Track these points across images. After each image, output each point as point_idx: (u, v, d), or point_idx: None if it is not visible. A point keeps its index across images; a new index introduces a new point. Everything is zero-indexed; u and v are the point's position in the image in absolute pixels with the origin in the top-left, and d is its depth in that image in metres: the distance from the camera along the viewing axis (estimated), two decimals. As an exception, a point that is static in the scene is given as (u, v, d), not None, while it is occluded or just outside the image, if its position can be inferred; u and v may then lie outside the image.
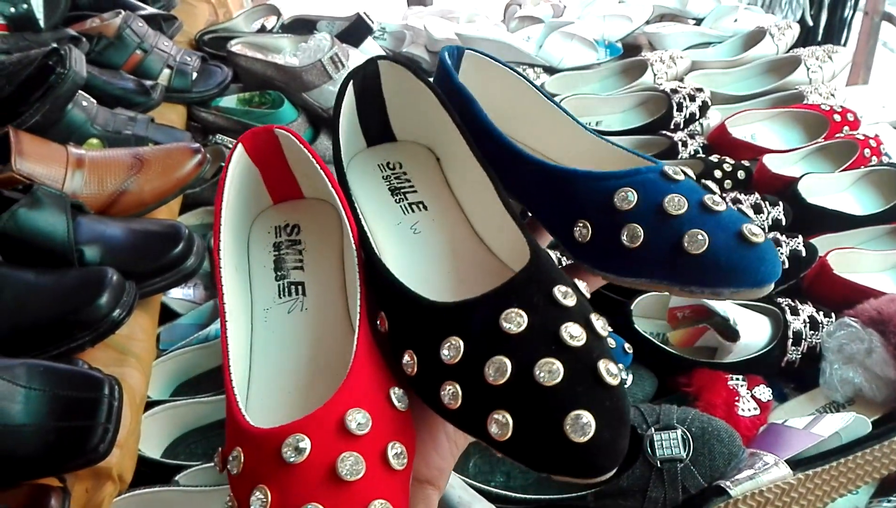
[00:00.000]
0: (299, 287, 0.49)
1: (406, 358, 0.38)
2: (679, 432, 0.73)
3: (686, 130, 1.32)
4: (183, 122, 1.23)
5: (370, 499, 0.33)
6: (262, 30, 1.56)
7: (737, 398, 0.87)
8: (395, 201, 0.52)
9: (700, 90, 1.35)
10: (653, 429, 0.73)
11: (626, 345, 0.88)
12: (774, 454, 0.78)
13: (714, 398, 0.86)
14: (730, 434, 0.74)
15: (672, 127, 1.32)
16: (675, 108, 1.31)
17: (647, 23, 1.73)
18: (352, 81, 0.49)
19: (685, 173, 0.46)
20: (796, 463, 0.77)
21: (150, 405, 0.82)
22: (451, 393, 0.36)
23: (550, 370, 0.34)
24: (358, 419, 0.34)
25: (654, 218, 0.43)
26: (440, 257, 0.48)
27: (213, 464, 0.76)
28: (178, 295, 1.01)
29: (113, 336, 0.72)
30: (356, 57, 1.34)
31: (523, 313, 0.36)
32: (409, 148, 0.57)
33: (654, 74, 1.49)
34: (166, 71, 1.21)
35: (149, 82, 1.14)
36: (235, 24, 1.50)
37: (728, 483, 0.72)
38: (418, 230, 0.50)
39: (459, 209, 0.52)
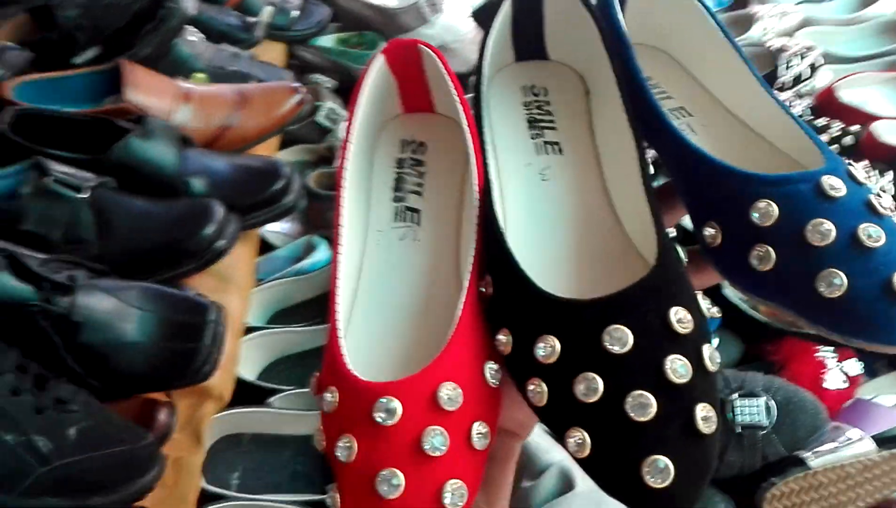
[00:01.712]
0: (415, 215, 0.48)
1: (502, 336, 0.37)
2: (763, 400, 0.72)
3: (793, 91, 1.27)
4: (283, 60, 1.25)
5: (448, 477, 0.33)
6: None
7: (824, 370, 0.86)
8: (532, 135, 0.49)
9: (810, 49, 1.28)
10: (736, 395, 0.73)
11: (714, 308, 0.87)
12: (860, 429, 0.77)
13: (801, 369, 0.85)
14: (815, 407, 0.73)
15: (778, 87, 1.26)
16: (783, 66, 1.26)
17: (758, -26, 1.64)
18: (510, 1, 0.47)
19: (854, 181, 0.38)
20: (881, 441, 0.76)
21: (247, 331, 0.86)
22: (538, 392, 0.35)
23: (643, 405, 0.32)
24: (450, 394, 0.34)
25: (790, 244, 0.37)
26: (562, 217, 0.45)
27: (305, 390, 0.80)
28: (276, 228, 1.04)
29: (216, 265, 0.76)
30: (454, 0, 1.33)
31: (630, 333, 0.33)
32: (560, 72, 0.52)
33: (764, 29, 1.42)
34: (268, 8, 1.23)
35: (251, 19, 1.16)
36: (336, -37, 1.50)
37: (809, 454, 0.71)
38: (547, 177, 0.47)
39: (596, 163, 0.47)
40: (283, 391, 0.81)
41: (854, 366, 0.88)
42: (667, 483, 0.31)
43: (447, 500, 0.33)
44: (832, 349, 0.88)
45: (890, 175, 1.04)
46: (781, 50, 1.29)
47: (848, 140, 1.12)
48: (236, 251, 0.78)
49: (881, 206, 0.37)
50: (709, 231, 0.40)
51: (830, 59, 1.36)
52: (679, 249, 0.40)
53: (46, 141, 0.80)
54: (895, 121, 1.17)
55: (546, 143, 0.48)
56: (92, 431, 0.53)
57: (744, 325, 0.91)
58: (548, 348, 0.34)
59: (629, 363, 0.33)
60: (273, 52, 1.22)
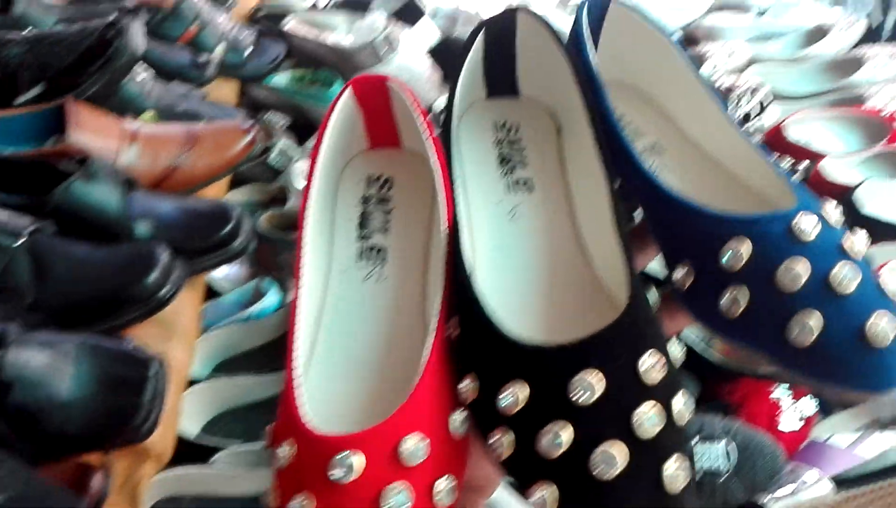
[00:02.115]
0: (381, 254, 0.47)
1: (467, 382, 0.36)
2: (723, 444, 0.71)
3: (743, 128, 1.29)
4: (235, 97, 1.23)
5: None
6: (315, 7, 1.56)
7: (780, 410, 0.86)
8: (502, 173, 0.48)
9: (760, 86, 1.31)
10: (696, 439, 0.72)
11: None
12: (817, 470, 0.76)
13: (756, 409, 0.85)
14: (773, 450, 0.73)
15: (728, 125, 1.28)
16: (733, 104, 1.28)
17: (707, 13, 1.68)
18: (484, 29, 0.46)
19: (826, 222, 0.37)
20: (839, 483, 0.76)
21: (189, 382, 0.83)
22: (502, 443, 0.33)
23: (609, 462, 0.30)
24: (414, 448, 0.33)
25: (761, 287, 0.36)
26: (532, 256, 0.44)
27: (252, 446, 0.77)
28: (223, 273, 1.02)
29: (159, 313, 0.73)
30: (408, 38, 1.33)
31: (598, 381, 0.32)
32: (532, 108, 0.52)
33: (714, 67, 1.45)
34: (221, 46, 1.21)
35: (203, 57, 1.15)
36: (290, 1, 1.50)
37: (767, 499, 0.70)
38: (516, 216, 0.46)
39: (567, 202, 0.46)
40: (228, 446, 0.78)
41: (809, 405, 0.88)
42: None
43: None
44: (787, 387, 0.88)
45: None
46: (731, 88, 1.31)
47: (797, 177, 1.13)
48: (181, 298, 0.75)
49: (853, 249, 0.36)
50: (679, 273, 0.39)
51: (777, 96, 1.39)
52: (651, 292, 0.39)
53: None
54: (842, 159, 1.20)
55: (517, 181, 0.48)
56: (19, 500, 0.50)
57: (699, 365, 0.91)
58: (513, 396, 0.33)
59: (597, 413, 0.32)
60: (226, 90, 1.20)
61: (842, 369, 0.34)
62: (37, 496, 0.50)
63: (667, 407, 0.33)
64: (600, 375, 0.32)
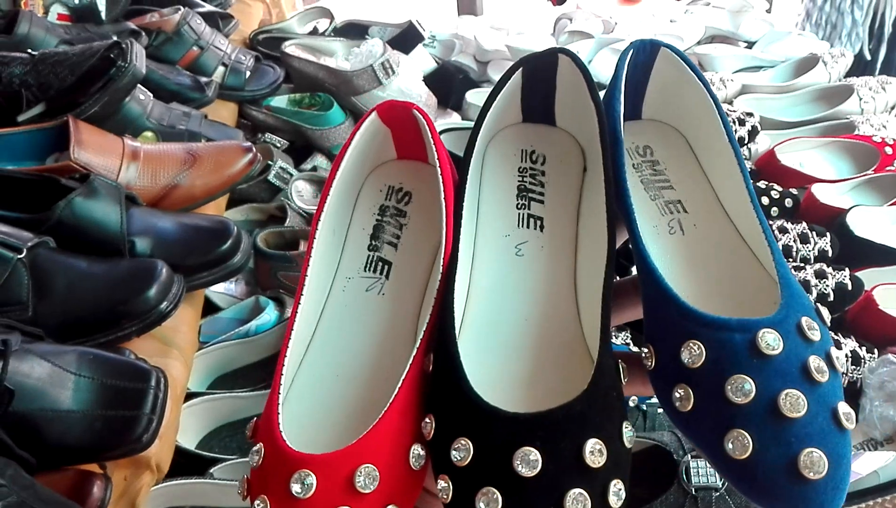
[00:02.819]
0: (386, 267, 0.47)
1: (428, 421, 0.37)
2: (715, 461, 0.72)
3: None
4: (234, 119, 1.25)
5: None
6: (315, 32, 1.58)
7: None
8: (518, 205, 0.48)
9: (750, 114, 1.34)
10: (689, 456, 0.73)
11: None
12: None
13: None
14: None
15: (720, 150, 1.30)
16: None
17: (699, 43, 1.72)
18: (524, 65, 0.47)
19: (801, 336, 0.36)
20: (832, 501, 0.76)
21: (187, 396, 0.83)
22: (446, 489, 0.34)
23: None
24: (367, 478, 0.34)
25: (710, 393, 0.35)
26: (527, 297, 0.44)
27: (248, 459, 0.77)
28: (221, 289, 1.02)
29: (158, 328, 0.73)
30: (406, 64, 1.35)
31: (540, 458, 0.33)
32: (563, 141, 0.51)
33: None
34: (221, 69, 1.23)
35: (204, 79, 1.16)
36: (289, 26, 1.52)
37: (762, 515, 0.71)
38: (521, 253, 0.46)
39: (573, 248, 0.46)
40: (224, 460, 0.78)
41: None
42: None
43: None
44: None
45: (827, 237, 1.08)
46: (723, 116, 1.33)
47: (788, 202, 1.15)
48: (180, 313, 0.76)
49: (819, 370, 0.35)
50: (646, 351, 0.39)
51: (767, 124, 1.41)
52: (623, 358, 0.39)
53: (-14, 199, 0.77)
54: (835, 184, 1.22)
55: (530, 216, 0.48)
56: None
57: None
58: (462, 450, 0.34)
59: (532, 488, 0.33)
60: (224, 112, 1.22)
61: (770, 492, 0.34)
62: (39, 503, 0.50)
63: (601, 494, 0.33)
64: (543, 453, 0.33)
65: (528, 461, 0.33)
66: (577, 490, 0.32)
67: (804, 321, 0.37)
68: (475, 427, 0.35)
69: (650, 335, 0.39)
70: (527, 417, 0.34)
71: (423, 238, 0.48)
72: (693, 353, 0.36)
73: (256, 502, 0.34)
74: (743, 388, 0.34)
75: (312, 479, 0.33)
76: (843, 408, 0.35)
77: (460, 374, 0.36)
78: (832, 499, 0.33)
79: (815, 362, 0.35)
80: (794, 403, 0.34)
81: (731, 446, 0.34)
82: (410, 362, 0.38)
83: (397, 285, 0.46)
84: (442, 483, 0.35)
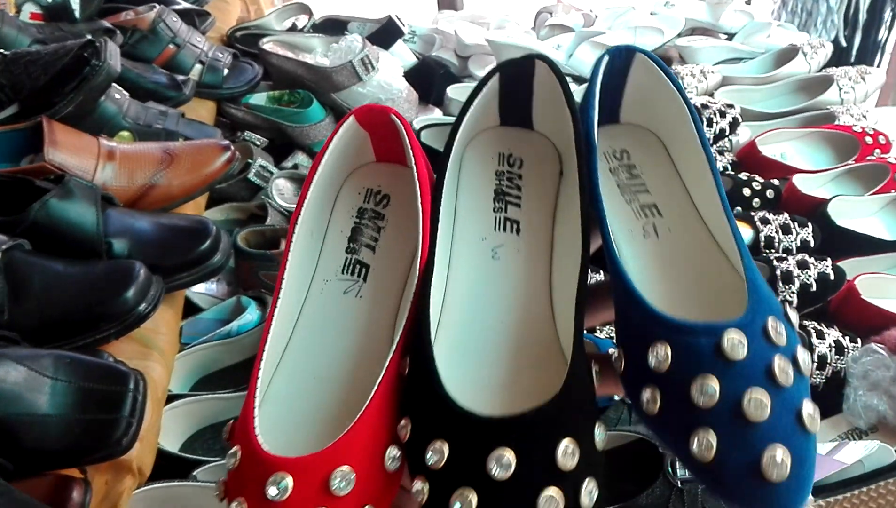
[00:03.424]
0: (364, 270, 0.47)
1: (404, 423, 0.37)
2: (701, 453, 0.72)
3: (715, 147, 1.31)
4: (212, 117, 1.23)
5: None
6: (294, 28, 1.57)
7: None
8: (494, 208, 0.48)
9: (731, 106, 1.34)
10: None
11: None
12: (795, 478, 0.77)
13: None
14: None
15: (701, 142, 1.31)
16: (705, 123, 1.30)
17: (679, 36, 1.72)
18: (501, 70, 0.46)
19: (766, 339, 0.36)
20: (817, 490, 0.76)
21: (169, 398, 0.82)
22: (421, 492, 0.35)
23: None
24: (343, 481, 0.34)
25: (676, 395, 0.36)
26: (502, 301, 0.44)
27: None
28: (201, 290, 1.01)
29: (137, 329, 0.72)
30: (386, 59, 1.34)
31: (514, 460, 0.33)
32: (541, 145, 0.51)
33: (685, 88, 1.48)
34: (198, 66, 1.22)
35: (181, 77, 1.15)
36: (267, 22, 1.51)
37: (748, 506, 0.71)
38: (498, 257, 0.46)
39: (549, 251, 0.46)
40: (207, 462, 0.77)
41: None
42: None
43: None
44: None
45: (809, 228, 1.08)
46: (704, 107, 1.34)
47: (770, 193, 1.15)
48: (160, 315, 0.75)
49: (783, 371, 0.35)
50: (615, 353, 0.39)
51: (748, 115, 1.42)
52: (597, 360, 0.39)
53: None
54: (815, 175, 1.22)
55: (507, 219, 0.48)
56: (-4, 515, 0.49)
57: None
58: (436, 453, 0.34)
59: (506, 489, 0.33)
60: (203, 110, 1.20)
61: (734, 492, 0.34)
62: (15, 509, 0.49)
63: (574, 495, 0.34)
64: (516, 455, 0.33)
65: (503, 463, 0.33)
66: (551, 491, 0.33)
67: (770, 323, 0.37)
68: (450, 430, 0.35)
69: (621, 338, 0.40)
70: (501, 420, 0.35)
71: (400, 241, 0.48)
72: (659, 356, 0.36)
73: (233, 504, 0.34)
74: (707, 390, 0.35)
75: (288, 482, 0.33)
76: (808, 409, 0.35)
77: (435, 377, 0.37)
78: (795, 501, 0.34)
79: (780, 363, 0.36)
80: (757, 405, 0.34)
81: (696, 448, 0.35)
82: (387, 365, 0.38)
83: (375, 287, 0.46)
84: (418, 485, 0.35)
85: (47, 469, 0.58)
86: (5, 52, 0.94)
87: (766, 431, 0.34)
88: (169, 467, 0.76)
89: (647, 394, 0.37)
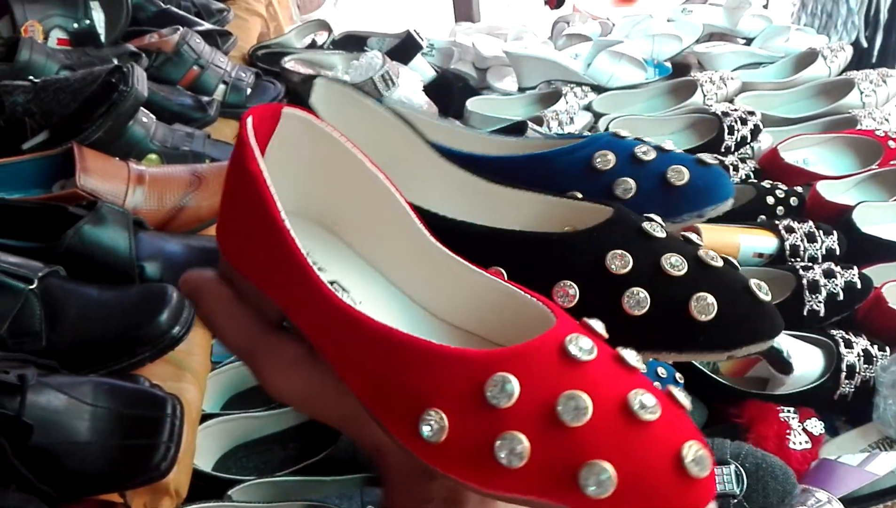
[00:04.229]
0: (336, 285, 0.38)
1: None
2: (732, 467, 0.72)
3: (737, 154, 1.31)
4: (236, 137, 1.25)
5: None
6: (314, 45, 1.58)
7: (788, 431, 0.86)
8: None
9: (752, 113, 1.34)
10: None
11: (677, 374, 0.88)
12: (827, 490, 0.77)
13: (765, 431, 0.85)
14: (784, 472, 0.74)
15: (723, 150, 1.30)
16: (726, 131, 1.30)
17: (697, 42, 1.72)
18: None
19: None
20: (850, 501, 0.76)
21: (202, 418, 0.83)
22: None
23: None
24: (583, 345, 0.30)
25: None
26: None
27: (266, 479, 0.77)
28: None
29: (170, 352, 0.73)
30: (406, 74, 1.35)
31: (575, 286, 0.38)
32: None
33: (704, 95, 1.48)
34: (221, 87, 1.23)
35: (205, 98, 1.16)
36: (288, 40, 1.52)
37: (780, 520, 0.71)
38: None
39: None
40: (242, 482, 0.78)
41: (816, 425, 0.89)
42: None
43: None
44: (792, 409, 0.89)
45: (834, 236, 1.07)
46: (725, 115, 1.33)
47: (794, 200, 1.15)
48: (192, 336, 0.76)
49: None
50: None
51: (768, 121, 1.41)
52: None
53: (-7, 229, 0.78)
54: (839, 181, 1.22)
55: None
56: (43, 542, 0.50)
57: (707, 388, 0.92)
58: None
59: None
60: (227, 130, 1.22)
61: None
62: (61, 537, 0.50)
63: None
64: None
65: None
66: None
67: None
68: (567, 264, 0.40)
69: None
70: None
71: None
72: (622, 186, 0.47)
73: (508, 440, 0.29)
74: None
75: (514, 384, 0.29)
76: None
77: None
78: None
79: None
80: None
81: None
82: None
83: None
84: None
85: (88, 494, 0.59)
86: (35, 80, 0.96)
87: None
88: (204, 487, 0.77)
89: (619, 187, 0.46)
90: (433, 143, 0.45)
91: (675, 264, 0.39)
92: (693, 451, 0.28)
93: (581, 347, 0.30)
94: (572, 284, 0.39)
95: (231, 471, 0.83)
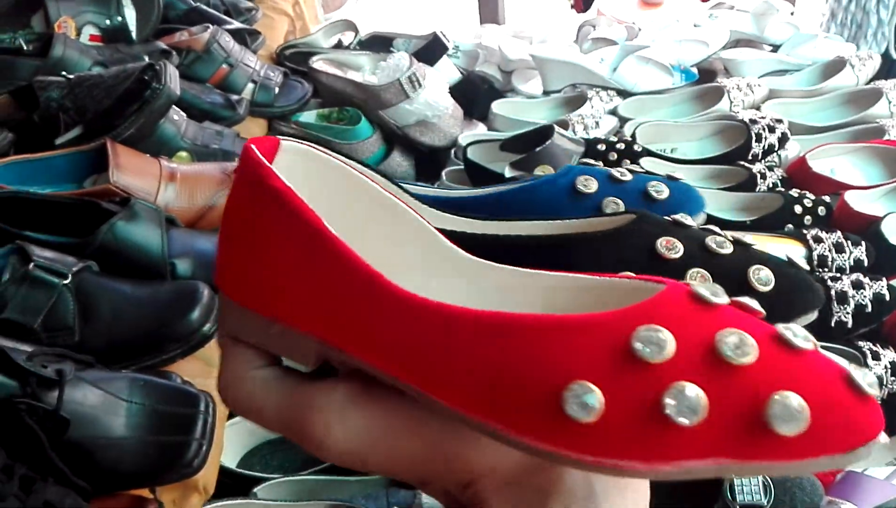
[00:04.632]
0: None
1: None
2: (760, 478, 0.72)
3: (764, 162, 1.30)
4: (264, 135, 1.26)
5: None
6: (339, 45, 1.59)
7: (813, 442, 0.86)
8: None
9: (780, 121, 1.33)
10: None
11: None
12: (854, 503, 0.76)
13: (790, 442, 0.85)
14: (812, 484, 0.73)
15: (750, 158, 1.30)
16: (753, 138, 1.29)
17: (723, 48, 1.71)
18: None
19: None
20: (878, 516, 0.75)
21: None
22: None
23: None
24: (711, 290, 0.27)
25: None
26: None
27: (292, 477, 0.78)
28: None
29: (201, 349, 0.74)
30: (432, 76, 1.36)
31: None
32: None
33: (731, 102, 1.47)
34: (250, 85, 1.24)
35: (234, 97, 1.17)
36: (315, 40, 1.53)
37: (807, 532, 0.70)
38: None
39: None
40: (267, 480, 0.78)
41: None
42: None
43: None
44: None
45: (862, 246, 1.07)
46: (752, 122, 1.33)
47: (822, 210, 1.14)
48: (222, 334, 0.77)
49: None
50: None
51: (795, 129, 1.40)
52: None
53: (27, 223, 0.79)
54: (867, 191, 1.21)
55: None
56: (80, 535, 0.51)
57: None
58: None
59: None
60: (255, 129, 1.23)
61: None
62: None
63: None
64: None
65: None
66: None
67: None
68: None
69: None
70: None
71: None
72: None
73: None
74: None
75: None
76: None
77: None
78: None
79: None
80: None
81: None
82: None
83: None
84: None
85: (121, 489, 0.60)
86: (70, 76, 0.97)
87: None
88: (230, 484, 0.77)
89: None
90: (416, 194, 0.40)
91: (720, 243, 0.40)
92: (861, 373, 0.25)
93: (710, 291, 0.27)
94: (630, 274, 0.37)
95: (255, 469, 0.84)
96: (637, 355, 0.25)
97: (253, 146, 0.31)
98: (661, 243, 0.39)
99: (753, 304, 0.28)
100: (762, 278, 0.39)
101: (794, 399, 0.24)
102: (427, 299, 0.28)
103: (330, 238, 0.29)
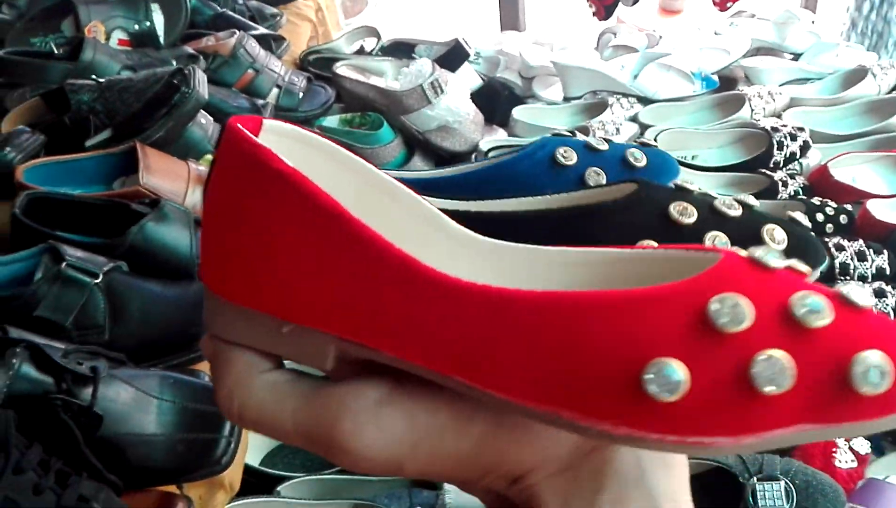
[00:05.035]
0: None
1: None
2: (783, 483, 0.72)
3: (786, 170, 1.30)
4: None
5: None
6: (362, 51, 1.60)
7: (834, 449, 0.86)
8: None
9: (801, 129, 1.33)
10: (755, 479, 0.72)
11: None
12: (875, 512, 0.76)
13: (811, 448, 0.85)
14: (834, 490, 0.73)
15: (771, 166, 1.30)
16: (775, 146, 1.29)
17: (744, 56, 1.71)
18: None
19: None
20: (899, 525, 0.75)
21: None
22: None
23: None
24: (769, 254, 0.26)
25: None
26: None
27: (315, 476, 0.78)
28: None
29: (227, 349, 0.75)
30: (453, 82, 1.37)
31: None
32: None
33: (752, 110, 1.47)
34: (275, 90, 1.26)
35: (260, 101, 1.19)
36: (338, 46, 1.55)
37: (829, 539, 0.70)
38: None
39: None
40: (291, 478, 0.79)
41: (862, 444, 0.88)
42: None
43: None
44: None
45: (885, 255, 1.06)
46: (774, 130, 1.33)
47: (844, 218, 1.14)
48: (249, 335, 0.78)
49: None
50: None
51: (816, 137, 1.40)
52: None
53: (58, 223, 0.80)
54: (889, 199, 1.21)
55: None
56: (114, 529, 0.52)
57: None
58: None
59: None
60: (278, 133, 1.24)
61: None
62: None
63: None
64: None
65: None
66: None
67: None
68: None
69: None
70: None
71: None
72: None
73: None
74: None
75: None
76: None
77: None
78: None
79: None
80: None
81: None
82: None
83: None
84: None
85: (151, 485, 0.61)
86: (100, 80, 0.99)
87: None
88: (254, 482, 0.79)
89: None
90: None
91: (728, 204, 0.39)
92: None
93: (769, 254, 0.26)
94: (651, 242, 0.38)
95: (278, 467, 0.85)
96: (716, 325, 0.24)
97: (240, 125, 0.27)
98: (675, 209, 0.38)
99: (802, 266, 0.26)
100: (776, 236, 0.38)
101: (877, 358, 0.23)
102: (472, 283, 0.25)
103: (350, 221, 0.26)
